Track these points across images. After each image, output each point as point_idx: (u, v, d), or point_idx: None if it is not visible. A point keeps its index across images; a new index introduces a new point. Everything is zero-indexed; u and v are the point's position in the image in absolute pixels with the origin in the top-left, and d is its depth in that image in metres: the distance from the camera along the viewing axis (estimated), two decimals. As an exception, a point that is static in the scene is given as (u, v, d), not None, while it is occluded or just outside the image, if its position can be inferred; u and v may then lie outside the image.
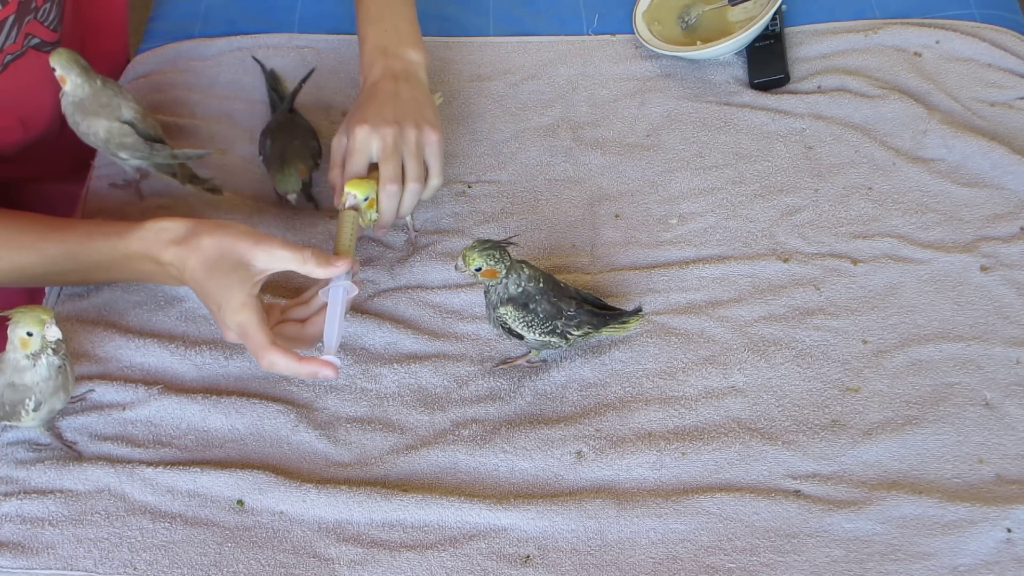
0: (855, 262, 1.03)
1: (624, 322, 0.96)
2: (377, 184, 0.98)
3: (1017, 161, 1.08)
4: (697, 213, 1.08)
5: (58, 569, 0.86)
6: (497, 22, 1.27)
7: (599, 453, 0.92)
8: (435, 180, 1.02)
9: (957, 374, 0.95)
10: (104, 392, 0.95)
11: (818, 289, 1.02)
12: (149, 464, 0.91)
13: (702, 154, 1.13)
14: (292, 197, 1.05)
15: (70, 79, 1.00)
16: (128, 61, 1.27)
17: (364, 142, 0.99)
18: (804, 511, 0.87)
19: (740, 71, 1.20)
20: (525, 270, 0.92)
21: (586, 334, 0.95)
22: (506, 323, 0.92)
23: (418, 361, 0.98)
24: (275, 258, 0.88)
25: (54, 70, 1.00)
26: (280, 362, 0.85)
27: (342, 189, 0.97)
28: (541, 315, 0.92)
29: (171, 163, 1.06)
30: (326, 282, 0.91)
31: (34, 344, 0.85)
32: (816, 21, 1.24)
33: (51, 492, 0.90)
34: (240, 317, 0.86)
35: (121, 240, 0.92)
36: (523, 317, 0.92)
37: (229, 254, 0.88)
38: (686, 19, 1.23)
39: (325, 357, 0.87)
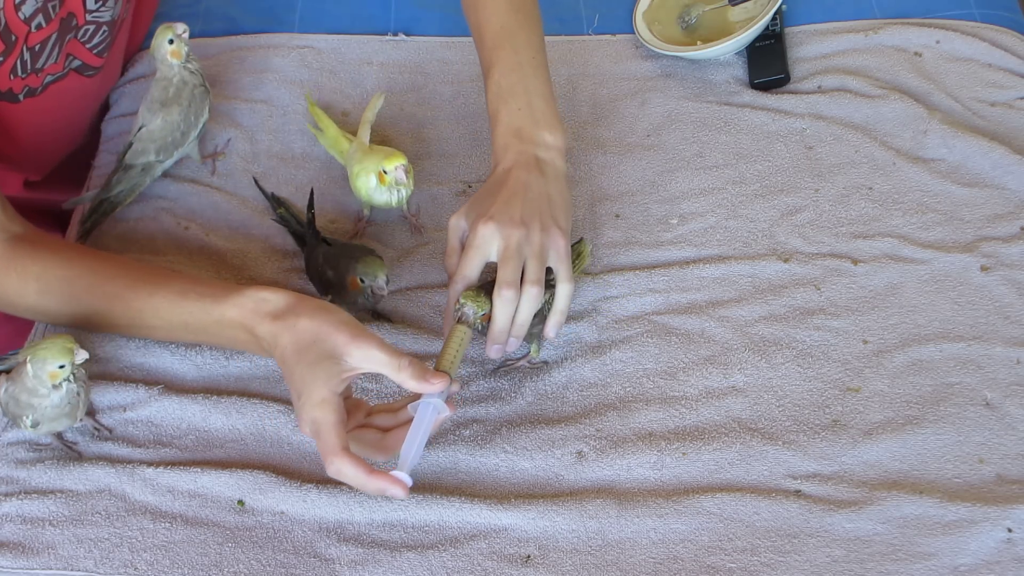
0: (855, 262, 1.03)
1: (579, 254, 0.98)
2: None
3: (1017, 161, 1.08)
4: (697, 213, 1.08)
5: (58, 569, 0.86)
6: (497, 22, 1.27)
7: (600, 453, 0.92)
8: (565, 286, 0.93)
9: (957, 374, 0.95)
10: (104, 392, 0.95)
11: (818, 289, 1.02)
12: (150, 464, 0.91)
13: (702, 154, 1.13)
14: (381, 282, 0.95)
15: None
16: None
17: (485, 240, 0.91)
18: (805, 511, 0.87)
19: (740, 71, 1.20)
20: (481, 296, 0.91)
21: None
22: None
23: (418, 361, 0.98)
24: (370, 359, 0.82)
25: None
26: (348, 471, 0.79)
27: (457, 288, 0.91)
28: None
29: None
30: (418, 395, 0.85)
31: (66, 371, 0.85)
32: (816, 21, 1.24)
33: (51, 492, 0.90)
34: (317, 413, 0.80)
35: (216, 305, 0.88)
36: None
37: (323, 343, 0.82)
38: (686, 19, 1.23)
39: (396, 474, 0.80)
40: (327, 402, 0.80)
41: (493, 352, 0.92)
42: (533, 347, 0.96)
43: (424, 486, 0.90)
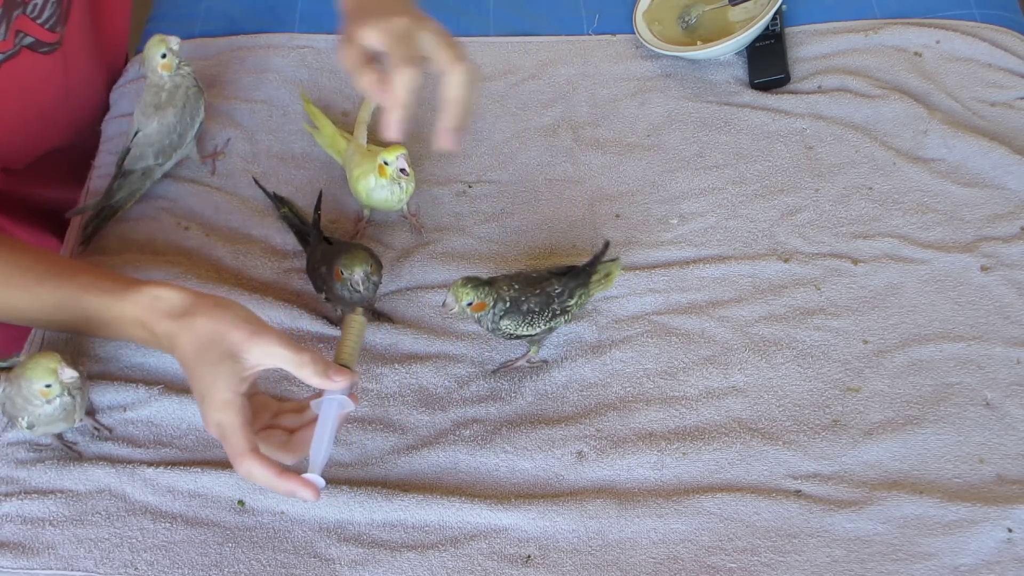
0: (855, 262, 1.03)
1: (607, 274, 0.97)
2: None
3: (1017, 161, 1.08)
4: (697, 213, 1.08)
5: (58, 569, 0.86)
6: (497, 22, 1.27)
7: (600, 453, 0.92)
8: (457, 67, 0.88)
9: (958, 374, 0.96)
10: (104, 392, 0.95)
11: (819, 289, 1.02)
12: (150, 464, 0.91)
13: (702, 154, 1.13)
14: (359, 275, 0.94)
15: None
16: (127, 61, 1.26)
17: (409, 28, 0.87)
18: (805, 511, 0.87)
19: (740, 71, 1.20)
20: (504, 288, 0.92)
21: (581, 298, 0.95)
22: (512, 333, 0.93)
23: (419, 361, 0.98)
24: (270, 355, 0.81)
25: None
26: (258, 473, 0.78)
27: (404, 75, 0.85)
28: (537, 309, 0.93)
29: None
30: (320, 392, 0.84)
31: (55, 390, 0.85)
32: (816, 21, 1.24)
33: (52, 492, 0.90)
34: (221, 416, 0.79)
35: (116, 301, 0.86)
36: (523, 320, 0.93)
37: (222, 341, 0.80)
38: (686, 19, 1.23)
39: (307, 476, 0.79)
40: (230, 404, 0.79)
41: (447, 140, 0.88)
42: (532, 348, 0.96)
43: (424, 486, 0.90)
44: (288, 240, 1.07)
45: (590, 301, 0.99)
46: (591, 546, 0.86)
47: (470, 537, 0.87)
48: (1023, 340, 0.97)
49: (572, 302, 0.94)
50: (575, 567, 0.85)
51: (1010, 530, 0.85)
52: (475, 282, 0.91)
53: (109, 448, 0.93)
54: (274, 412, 0.86)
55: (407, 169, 1.01)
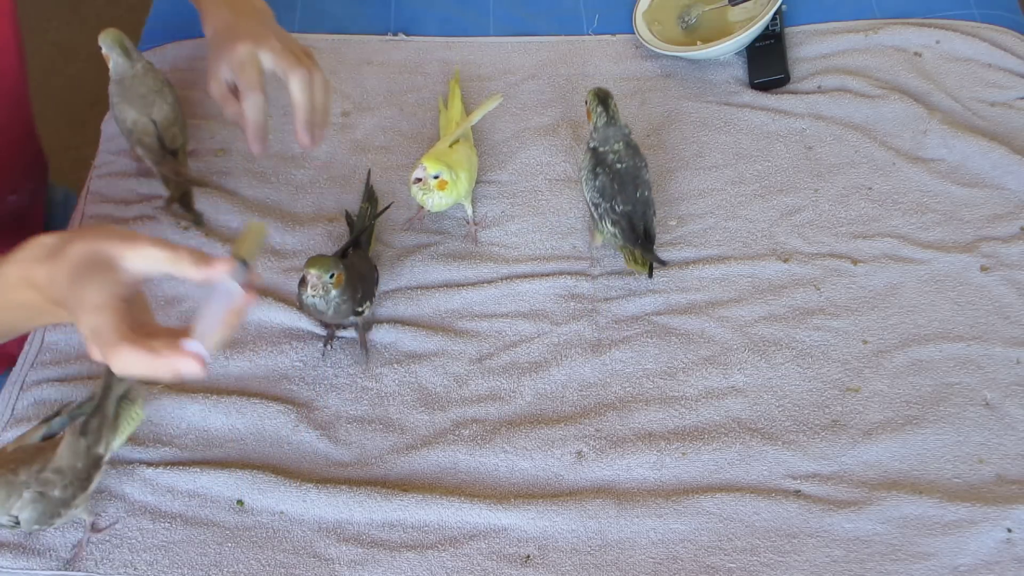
0: (855, 262, 1.03)
1: (636, 259, 1.01)
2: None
3: (1017, 161, 1.08)
4: (697, 214, 1.08)
5: (58, 569, 0.86)
6: (497, 22, 1.27)
7: (599, 453, 0.92)
8: (296, 69, 0.98)
9: (957, 374, 0.95)
10: (104, 392, 0.95)
11: (818, 289, 1.02)
12: (149, 464, 0.91)
13: (702, 154, 1.13)
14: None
15: (112, 58, 1.04)
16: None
17: (250, 52, 0.97)
18: (804, 511, 0.87)
19: (740, 71, 1.20)
20: (620, 144, 1.01)
21: (613, 236, 1.01)
22: (580, 167, 1.03)
23: (418, 360, 0.98)
24: (147, 258, 0.74)
25: (100, 48, 1.03)
26: (134, 359, 0.70)
27: (248, 95, 0.96)
28: (597, 184, 1.00)
29: (171, 177, 1.06)
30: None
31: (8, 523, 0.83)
32: (816, 21, 1.24)
33: (51, 492, 0.90)
34: (94, 319, 0.71)
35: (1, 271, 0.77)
36: (588, 171, 1.02)
37: (96, 257, 0.74)
38: (686, 19, 1.23)
39: (188, 345, 0.71)
40: (105, 306, 0.71)
41: (304, 138, 0.98)
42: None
43: (423, 486, 0.90)
44: (288, 240, 1.07)
45: (591, 301, 0.99)
46: (590, 546, 0.86)
47: (469, 537, 0.87)
48: (1023, 340, 0.97)
49: (609, 228, 1.01)
50: (574, 567, 0.85)
51: (1010, 530, 0.85)
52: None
53: (109, 448, 0.93)
54: (149, 334, 0.75)
55: (424, 179, 1.00)
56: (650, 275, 1.02)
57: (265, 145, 0.98)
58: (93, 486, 0.86)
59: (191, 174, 1.08)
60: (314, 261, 0.92)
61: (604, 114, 1.01)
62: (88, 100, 2.23)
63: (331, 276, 0.91)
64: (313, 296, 0.92)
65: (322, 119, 1.00)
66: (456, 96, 1.16)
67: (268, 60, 0.98)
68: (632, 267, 1.01)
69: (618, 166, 1.00)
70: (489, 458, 0.92)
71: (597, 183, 1.01)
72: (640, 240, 0.99)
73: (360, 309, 0.96)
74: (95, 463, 0.85)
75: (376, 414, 0.95)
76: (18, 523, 0.82)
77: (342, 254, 0.99)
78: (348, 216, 1.07)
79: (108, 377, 0.89)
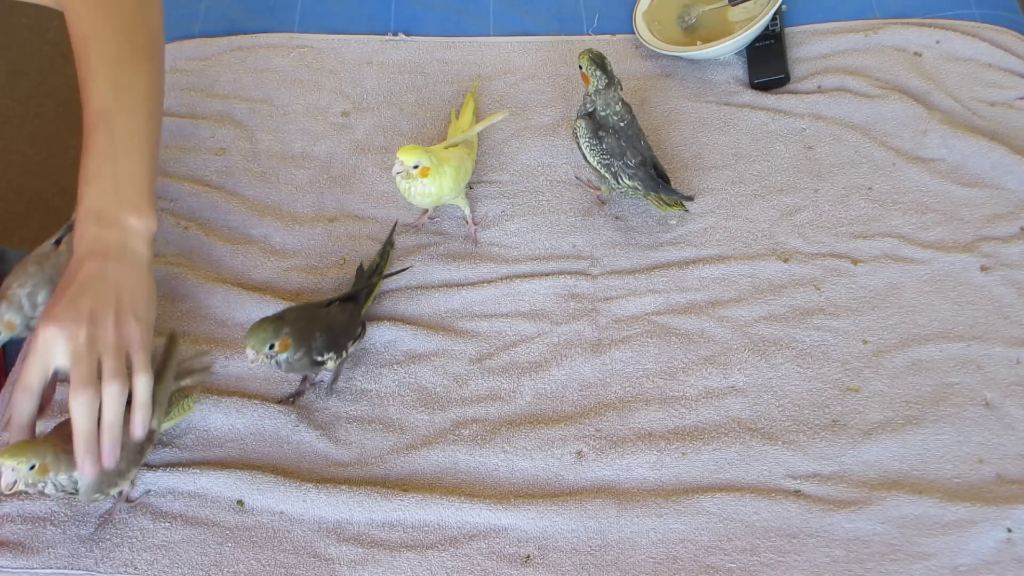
0: (855, 262, 1.03)
1: (667, 202, 1.04)
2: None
3: (1017, 161, 1.08)
4: (697, 214, 1.08)
5: (58, 569, 0.86)
6: (497, 22, 1.27)
7: (599, 453, 0.92)
8: (142, 376, 0.83)
9: (957, 374, 0.95)
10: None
11: (818, 289, 1.02)
12: (149, 465, 0.91)
13: (702, 154, 1.13)
14: (250, 355, 0.88)
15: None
16: None
17: (47, 344, 0.81)
18: (804, 511, 0.87)
19: (740, 71, 1.20)
20: (619, 104, 1.02)
21: (634, 190, 1.04)
22: (576, 136, 1.03)
23: (418, 361, 0.98)
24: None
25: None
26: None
27: (18, 400, 0.82)
28: (603, 147, 1.02)
29: None
30: None
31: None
32: (816, 21, 1.24)
33: (51, 492, 0.90)
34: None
35: None
36: (589, 138, 1.02)
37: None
38: (686, 19, 1.23)
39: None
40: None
41: (87, 468, 0.81)
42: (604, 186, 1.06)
43: (423, 486, 0.90)
44: (288, 239, 1.07)
45: (591, 301, 0.99)
46: (590, 546, 0.86)
47: (469, 537, 0.87)
48: (1023, 340, 0.97)
49: (627, 183, 1.03)
50: (574, 567, 0.85)
51: (1009, 530, 0.85)
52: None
53: (109, 448, 0.93)
54: None
55: (404, 170, 0.99)
56: (686, 209, 1.06)
57: (94, 467, 0.82)
58: (143, 459, 0.87)
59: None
60: (250, 333, 0.88)
61: (604, 76, 1.02)
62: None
63: (271, 347, 0.88)
64: (258, 365, 0.90)
65: (110, 437, 0.82)
66: (469, 109, 1.15)
67: (61, 358, 0.82)
68: (665, 210, 1.05)
69: (621, 124, 1.03)
70: (489, 458, 0.92)
71: (604, 146, 1.03)
72: (660, 184, 1.04)
73: (320, 359, 0.91)
74: (148, 438, 0.87)
75: (376, 414, 0.95)
76: (77, 490, 0.83)
77: (326, 304, 0.95)
78: (360, 269, 1.03)
79: (167, 358, 0.90)
